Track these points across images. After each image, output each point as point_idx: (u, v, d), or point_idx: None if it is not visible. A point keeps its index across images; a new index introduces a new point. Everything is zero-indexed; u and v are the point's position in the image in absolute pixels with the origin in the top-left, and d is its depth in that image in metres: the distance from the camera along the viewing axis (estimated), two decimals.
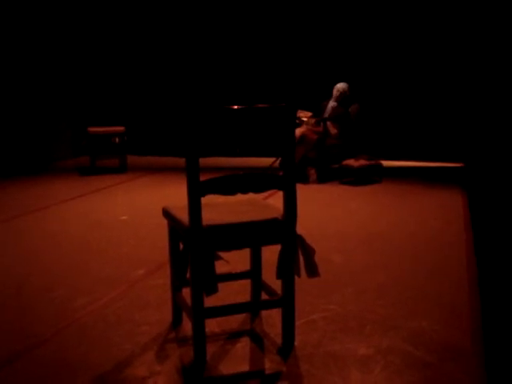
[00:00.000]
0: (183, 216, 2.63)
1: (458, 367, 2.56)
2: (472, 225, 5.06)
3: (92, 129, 8.27)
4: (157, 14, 9.66)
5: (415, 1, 8.47)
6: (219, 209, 2.85)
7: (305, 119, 7.63)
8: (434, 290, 3.53)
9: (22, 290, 3.63)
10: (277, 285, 2.85)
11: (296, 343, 2.80)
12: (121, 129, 8.35)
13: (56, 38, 9.13)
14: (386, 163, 7.70)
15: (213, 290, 2.55)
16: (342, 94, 7.76)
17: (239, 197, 2.67)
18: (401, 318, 3.11)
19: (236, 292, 3.37)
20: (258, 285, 3.13)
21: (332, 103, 7.83)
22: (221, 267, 2.92)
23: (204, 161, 2.48)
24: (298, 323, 2.90)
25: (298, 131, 7.14)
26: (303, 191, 5.95)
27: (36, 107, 8.82)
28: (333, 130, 7.53)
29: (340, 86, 7.83)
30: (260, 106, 2.59)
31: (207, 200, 2.57)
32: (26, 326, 3.08)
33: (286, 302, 2.75)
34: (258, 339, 2.90)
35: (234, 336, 2.93)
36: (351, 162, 7.27)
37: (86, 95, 9.84)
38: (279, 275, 2.71)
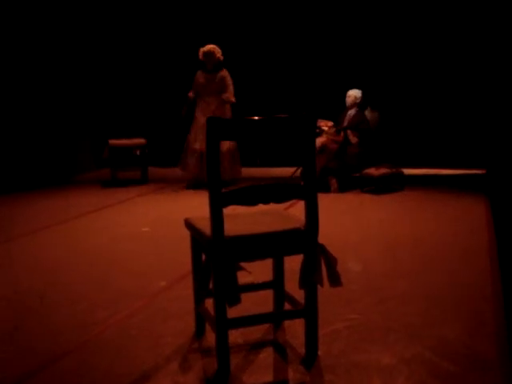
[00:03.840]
0: (205, 227, 2.64)
1: (483, 378, 2.53)
2: (495, 232, 5.01)
3: (113, 141, 8.32)
4: (177, 27, 9.72)
5: (433, 9, 8.45)
6: (241, 219, 2.86)
7: (325, 128, 7.61)
8: (457, 298, 3.50)
9: (45, 302, 3.66)
10: (299, 294, 2.85)
11: (319, 353, 2.79)
12: (142, 141, 8.40)
13: (78, 51, 9.24)
14: (407, 171, 7.66)
15: (235, 301, 2.55)
16: (355, 99, 7.79)
17: (261, 207, 2.67)
18: (424, 326, 3.09)
19: (259, 302, 3.36)
20: (281, 295, 3.13)
21: (350, 111, 7.83)
22: (243, 278, 2.93)
23: None
24: (321, 333, 2.88)
25: (319, 141, 7.12)
26: (324, 200, 5.92)
27: (58, 120, 8.91)
28: (353, 139, 7.51)
29: (351, 92, 7.86)
30: (280, 116, 2.59)
31: (229, 211, 2.58)
32: (49, 339, 3.10)
33: (309, 312, 2.74)
34: (281, 349, 2.90)
35: (257, 346, 2.93)
36: (372, 170, 7.25)
37: (107, 107, 9.92)
38: (302, 285, 2.70)
